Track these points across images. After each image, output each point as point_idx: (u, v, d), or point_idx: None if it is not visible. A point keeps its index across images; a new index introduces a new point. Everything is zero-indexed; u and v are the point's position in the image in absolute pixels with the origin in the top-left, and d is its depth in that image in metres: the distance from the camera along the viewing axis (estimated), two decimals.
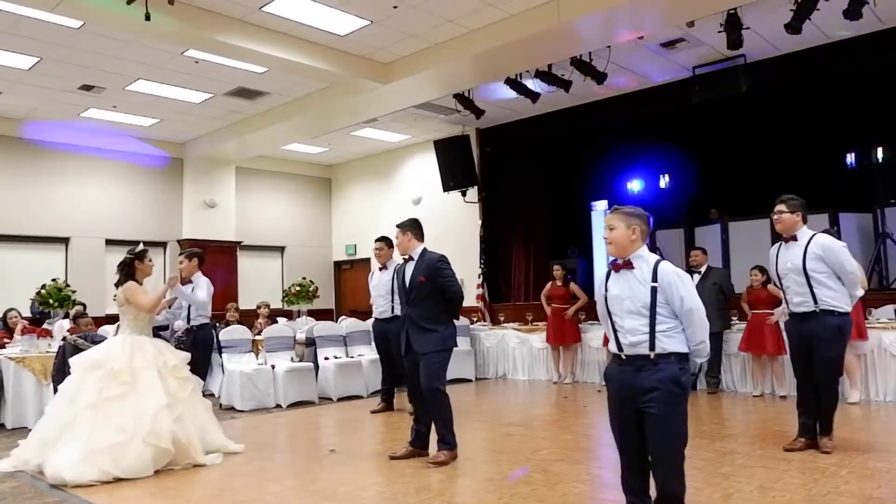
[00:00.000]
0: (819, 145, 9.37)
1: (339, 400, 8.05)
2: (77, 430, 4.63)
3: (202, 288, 6.13)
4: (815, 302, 4.64)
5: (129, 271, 5.29)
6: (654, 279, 2.90)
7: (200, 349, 5.94)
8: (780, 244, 4.91)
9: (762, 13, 7.22)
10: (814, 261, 4.64)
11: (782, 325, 7.18)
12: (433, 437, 4.96)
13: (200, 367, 5.74)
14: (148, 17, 5.89)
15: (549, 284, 9.36)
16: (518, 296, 11.57)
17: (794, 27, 6.78)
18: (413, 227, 5.08)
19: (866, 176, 9.20)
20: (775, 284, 5.07)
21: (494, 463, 4.82)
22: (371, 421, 6.84)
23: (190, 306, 6.26)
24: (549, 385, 9.04)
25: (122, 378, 4.78)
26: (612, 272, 3.04)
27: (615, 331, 2.99)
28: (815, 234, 4.77)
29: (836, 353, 4.73)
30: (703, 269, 7.86)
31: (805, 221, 4.84)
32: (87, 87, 9.42)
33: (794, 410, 5.08)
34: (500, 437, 5.76)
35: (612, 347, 3.04)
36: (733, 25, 7.15)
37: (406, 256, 5.07)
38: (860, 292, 4.89)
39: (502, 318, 10.79)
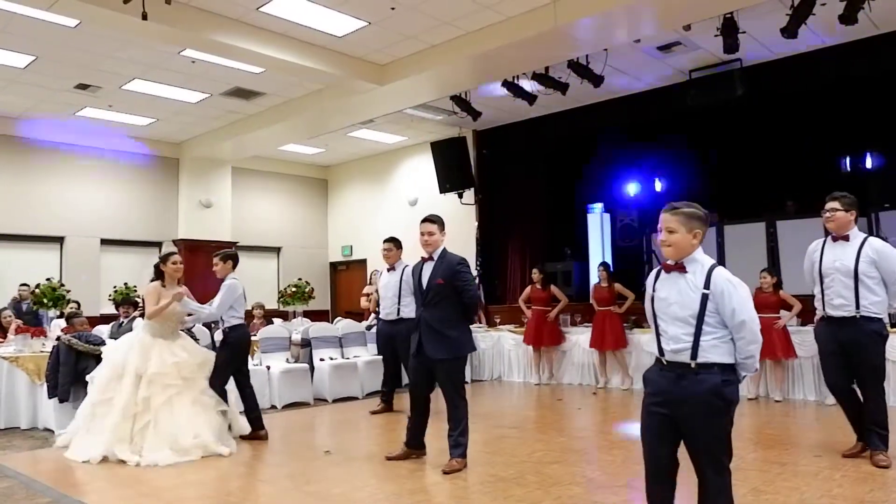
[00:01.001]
0: (814, 149, 9.39)
1: (335, 401, 8.04)
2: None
3: (219, 295, 5.82)
4: (858, 307, 4.47)
5: (157, 273, 5.58)
6: (707, 286, 2.72)
7: (227, 350, 5.72)
8: (825, 241, 4.70)
9: (758, 17, 7.25)
10: (866, 264, 4.46)
11: (789, 328, 7.24)
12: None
13: (223, 369, 5.61)
14: (145, 17, 5.87)
15: (528, 288, 9.44)
16: (514, 298, 11.55)
17: (790, 31, 6.79)
18: (442, 224, 4.86)
19: (861, 180, 9.22)
20: (810, 283, 4.81)
21: (489, 465, 4.81)
22: (366, 422, 6.83)
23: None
24: (541, 388, 9.03)
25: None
26: (662, 273, 2.86)
27: (658, 334, 2.83)
28: (868, 237, 4.60)
29: (881, 359, 4.55)
30: None
31: (856, 221, 4.63)
32: (83, 86, 9.41)
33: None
34: (495, 438, 5.76)
35: (654, 350, 2.89)
36: (729, 29, 7.16)
37: (426, 255, 4.85)
38: None
39: (498, 320, 10.79)
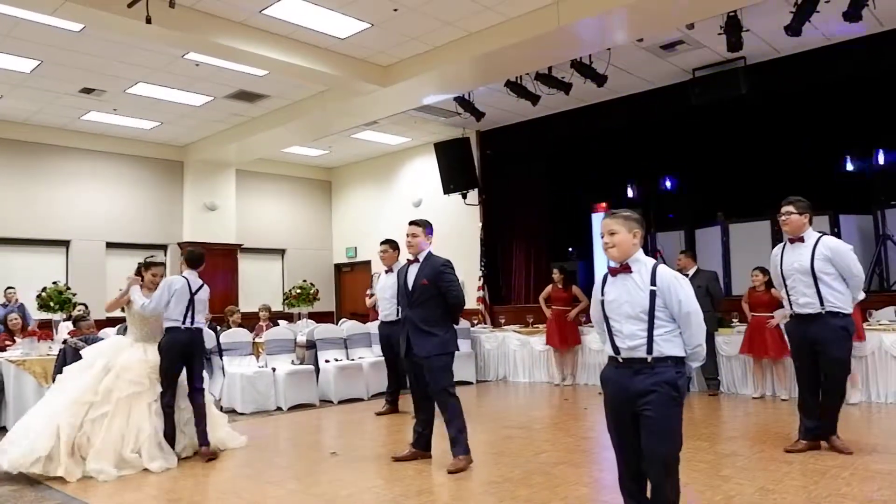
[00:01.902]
0: (819, 147, 9.37)
1: (340, 402, 8.05)
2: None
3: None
4: (822, 303, 4.67)
5: (137, 274, 5.54)
6: (654, 283, 2.90)
7: (160, 356, 5.35)
8: (784, 245, 4.93)
9: (762, 15, 7.23)
10: (822, 261, 4.66)
11: (783, 328, 7.22)
12: (436, 439, 4.96)
13: (161, 376, 5.26)
14: (149, 21, 5.89)
15: (548, 287, 9.35)
16: (519, 298, 11.57)
17: (793, 29, 6.78)
18: (428, 228, 5.04)
19: (866, 178, 9.20)
20: (778, 286, 5.07)
21: (495, 466, 4.81)
22: (372, 423, 6.84)
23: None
24: (550, 387, 9.03)
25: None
26: (609, 277, 3.03)
27: (612, 335, 2.98)
28: (822, 236, 4.80)
29: (845, 354, 4.76)
30: (690, 272, 7.82)
31: (811, 223, 4.86)
32: (87, 91, 9.44)
33: (795, 412, 5.08)
34: (501, 439, 5.76)
35: (608, 350, 3.03)
36: (733, 28, 7.15)
37: (411, 257, 5.02)
38: (862, 296, 4.90)
39: (503, 321, 10.78)
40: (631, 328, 2.91)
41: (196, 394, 5.37)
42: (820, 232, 4.91)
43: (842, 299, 4.66)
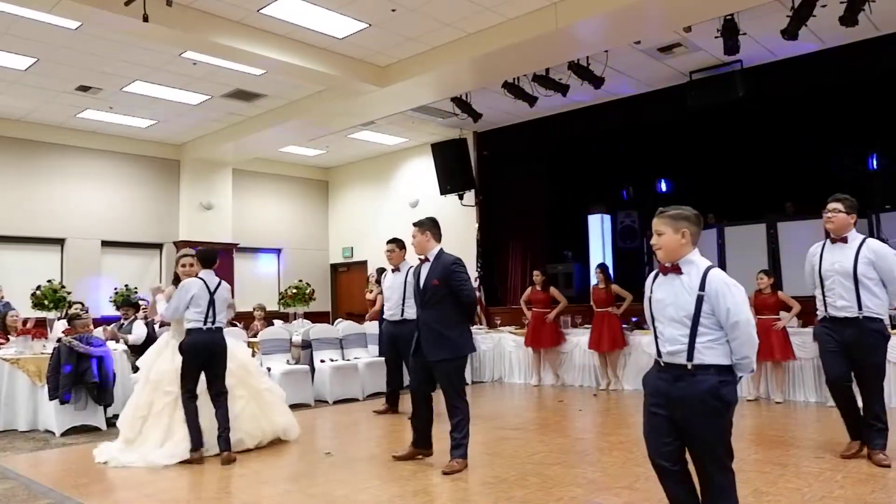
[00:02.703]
0: (815, 151, 9.41)
1: (336, 403, 8.04)
2: None
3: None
4: (860, 308, 4.50)
5: (175, 277, 5.61)
6: (702, 287, 2.73)
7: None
8: (825, 243, 4.73)
9: (759, 19, 7.25)
10: (865, 265, 4.50)
11: (788, 329, 7.23)
12: (437, 438, 4.95)
13: (181, 376, 5.27)
14: (146, 19, 5.88)
15: (528, 289, 9.45)
16: (514, 299, 11.56)
17: (790, 33, 6.81)
18: (431, 227, 4.92)
19: (862, 181, 9.24)
20: (812, 285, 4.85)
21: (490, 467, 4.81)
22: (367, 424, 6.83)
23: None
24: (545, 389, 9.03)
25: None
26: (660, 275, 2.90)
27: (656, 336, 2.86)
28: (866, 238, 4.63)
29: (882, 359, 4.61)
30: None
31: (856, 224, 4.69)
32: (84, 88, 9.42)
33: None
34: (496, 440, 5.76)
35: (652, 352, 2.92)
36: (730, 31, 7.17)
37: (422, 257, 4.92)
38: None
39: (499, 322, 10.79)
40: (672, 332, 2.77)
41: (216, 400, 5.20)
42: (863, 235, 4.73)
43: (880, 305, 4.52)
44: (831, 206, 4.65)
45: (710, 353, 2.72)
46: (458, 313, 4.78)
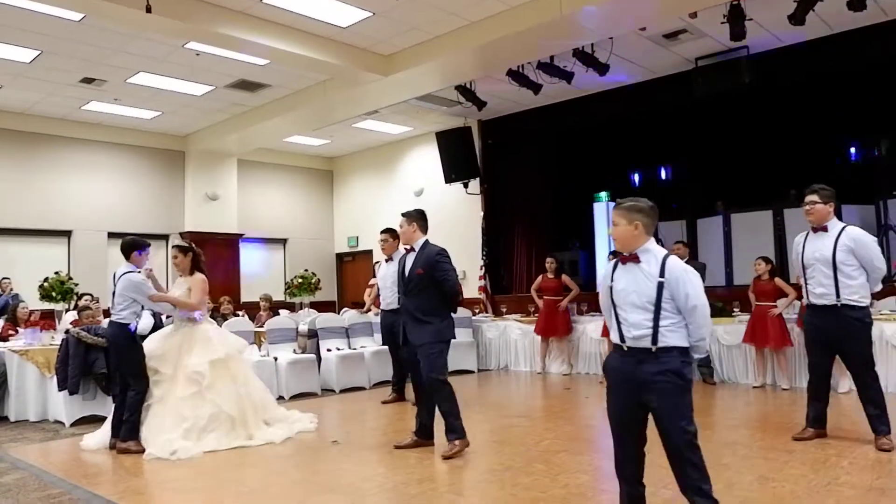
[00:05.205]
0: (822, 137, 9.35)
1: (342, 391, 8.08)
2: None
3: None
4: (838, 295, 4.56)
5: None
6: (662, 274, 2.89)
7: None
8: (807, 234, 4.82)
9: (765, 4, 7.18)
10: (844, 252, 4.55)
11: (786, 317, 7.22)
12: (439, 428, 4.98)
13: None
14: (149, 10, 5.87)
15: (540, 277, 9.42)
16: (520, 287, 11.58)
17: (797, 18, 6.75)
18: (418, 218, 5.09)
19: (869, 168, 9.19)
20: (797, 275, 4.96)
21: (496, 454, 4.84)
22: (374, 412, 6.87)
23: None
24: (552, 376, 9.04)
25: None
26: (619, 265, 3.03)
27: (619, 323, 2.99)
28: (846, 226, 4.68)
29: (867, 345, 4.64)
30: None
31: (836, 212, 4.75)
32: (88, 80, 9.42)
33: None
34: (503, 428, 5.79)
35: (614, 338, 3.03)
36: (736, 17, 7.11)
37: (408, 247, 5.08)
38: (878, 287, 4.77)
39: (504, 310, 10.80)
40: (637, 318, 2.92)
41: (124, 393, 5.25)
42: (844, 222, 4.78)
43: (859, 291, 4.55)
44: (808, 198, 4.74)
45: (672, 336, 2.89)
46: (440, 301, 4.92)
